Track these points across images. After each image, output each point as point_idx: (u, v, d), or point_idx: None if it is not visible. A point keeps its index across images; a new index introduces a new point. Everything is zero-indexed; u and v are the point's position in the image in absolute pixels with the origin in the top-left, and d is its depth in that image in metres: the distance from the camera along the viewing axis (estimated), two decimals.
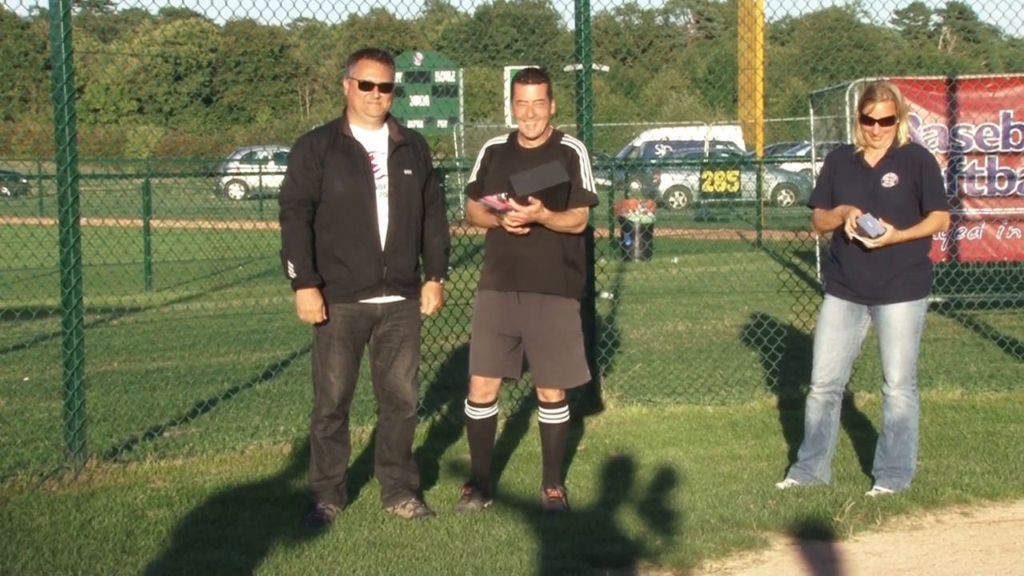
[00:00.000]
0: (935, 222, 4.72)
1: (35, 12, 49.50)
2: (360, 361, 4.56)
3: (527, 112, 4.51)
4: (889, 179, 4.70)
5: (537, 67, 4.75)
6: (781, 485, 4.89)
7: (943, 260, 8.06)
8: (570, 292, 4.59)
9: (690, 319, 9.62)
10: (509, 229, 4.47)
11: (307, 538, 4.24)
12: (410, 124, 17.12)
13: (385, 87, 4.42)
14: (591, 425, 6.10)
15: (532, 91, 4.50)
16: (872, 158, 4.76)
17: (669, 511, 4.55)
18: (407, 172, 4.46)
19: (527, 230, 4.47)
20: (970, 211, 7.85)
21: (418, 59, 18.07)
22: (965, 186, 7.83)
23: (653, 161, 21.98)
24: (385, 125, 4.50)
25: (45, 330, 8.83)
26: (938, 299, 8.05)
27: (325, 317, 4.40)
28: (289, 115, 48.85)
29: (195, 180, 23.29)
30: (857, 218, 4.60)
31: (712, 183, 19.80)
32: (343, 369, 4.46)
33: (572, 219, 4.53)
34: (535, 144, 4.59)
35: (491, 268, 4.60)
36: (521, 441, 5.79)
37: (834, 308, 4.83)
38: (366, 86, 4.40)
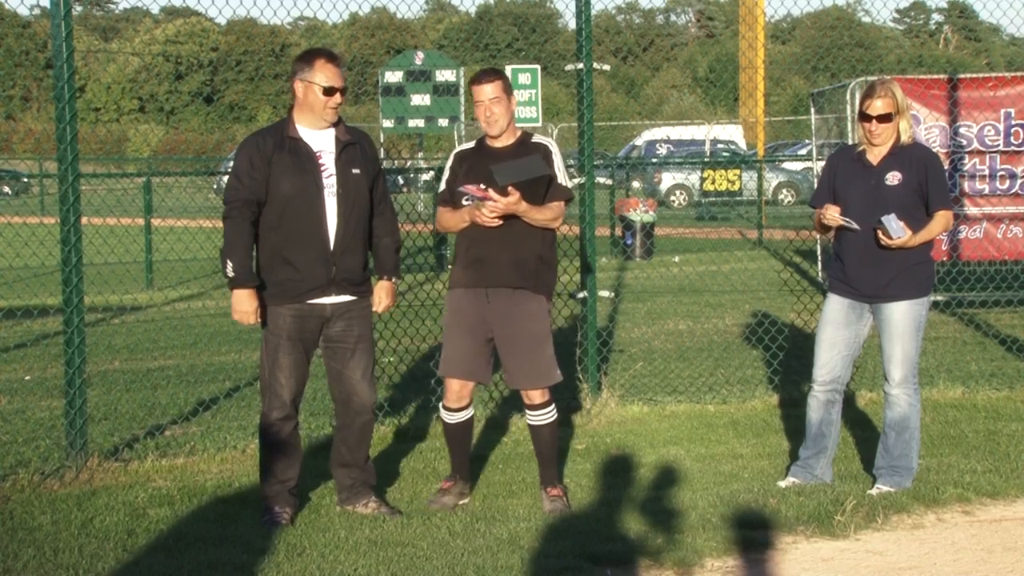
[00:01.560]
0: (942, 222, 4.74)
1: (36, 11, 49.41)
2: (310, 362, 4.53)
3: (485, 111, 4.53)
4: (893, 177, 4.70)
5: (494, 68, 4.76)
6: (782, 484, 4.88)
7: (944, 259, 8.05)
8: (540, 289, 4.58)
9: (691, 318, 9.61)
10: (483, 221, 4.45)
11: (308, 537, 4.23)
12: (411, 123, 17.07)
13: (343, 91, 4.41)
14: (592, 424, 6.09)
15: (487, 90, 4.52)
16: (874, 157, 4.75)
17: (670, 510, 4.55)
18: (355, 171, 4.42)
19: (500, 222, 4.46)
20: (971, 210, 7.84)
21: (419, 58, 18.03)
22: (966, 185, 7.82)
23: (654, 160, 21.97)
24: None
25: (46, 329, 8.82)
26: (939, 298, 8.03)
27: (259, 319, 4.37)
28: None
29: (196, 179, 23.27)
30: (882, 217, 4.61)
31: (713, 182, 19.79)
32: (293, 370, 4.42)
33: (550, 213, 4.53)
34: (504, 143, 4.60)
35: (462, 266, 4.59)
36: (521, 440, 5.78)
37: (836, 306, 4.82)
38: (330, 92, 4.36)
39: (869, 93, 4.71)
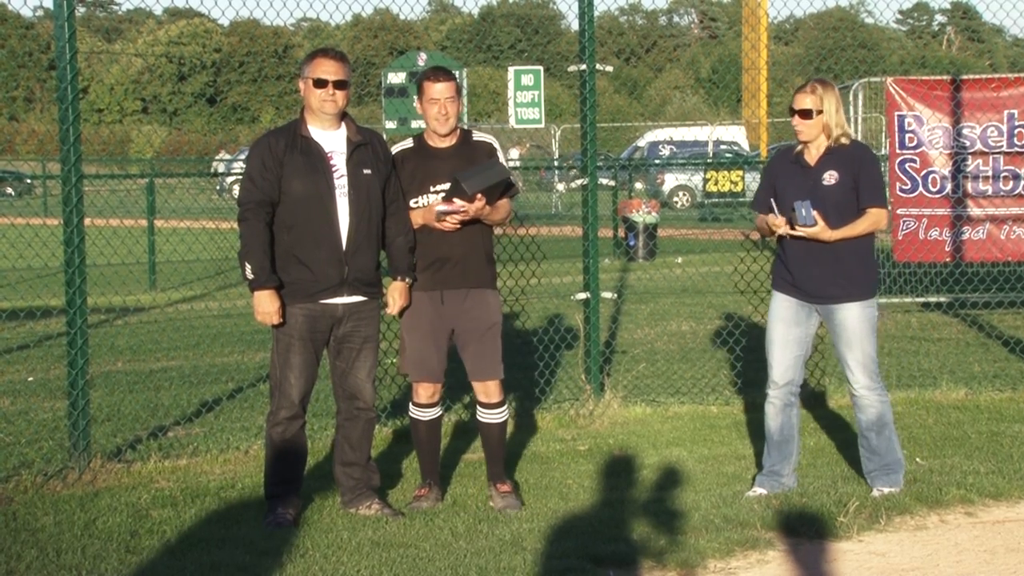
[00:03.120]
0: (869, 220, 4.66)
1: (39, 12, 49.31)
2: (320, 361, 4.54)
3: (440, 109, 4.55)
4: (830, 177, 4.66)
5: (443, 67, 4.79)
6: (751, 494, 4.80)
7: (947, 260, 8.03)
8: (492, 283, 4.69)
9: (694, 319, 9.58)
10: (445, 227, 4.48)
11: (311, 538, 4.23)
12: (414, 124, 17.02)
13: (340, 84, 4.40)
14: (595, 425, 6.07)
15: (442, 88, 4.54)
16: (812, 157, 4.71)
17: (673, 511, 4.54)
18: (366, 172, 4.44)
19: (460, 226, 4.51)
20: (975, 211, 7.83)
21: (422, 59, 17.98)
22: (970, 186, 7.81)
23: (657, 161, 21.93)
24: (343, 125, 4.48)
25: (49, 330, 8.80)
26: (942, 299, 8.02)
27: (282, 319, 4.38)
28: (293, 115, 48.28)
29: (199, 180, 23.21)
30: (796, 202, 4.57)
31: (716, 183, 19.75)
32: (303, 370, 4.43)
33: (504, 212, 4.64)
34: (447, 143, 4.62)
35: (418, 269, 4.62)
36: (525, 442, 5.77)
37: (784, 304, 4.77)
38: (320, 84, 4.38)
39: (799, 89, 4.72)
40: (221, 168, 22.40)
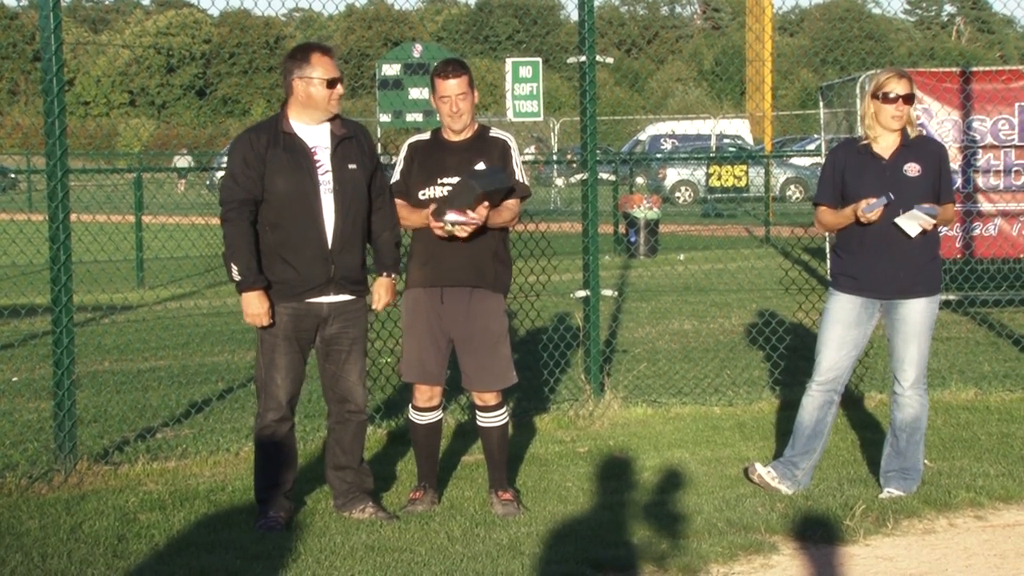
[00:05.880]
0: (947, 214, 4.74)
1: (24, 2, 49.23)
2: (306, 362, 4.48)
3: (451, 107, 4.48)
4: (912, 169, 4.64)
5: (457, 59, 4.70)
6: (755, 467, 4.85)
7: (957, 256, 7.95)
8: (497, 287, 4.54)
9: (696, 317, 9.53)
10: (452, 234, 4.39)
11: (303, 542, 4.18)
12: (409, 117, 16.94)
13: (341, 81, 4.38)
14: (595, 426, 6.02)
15: (453, 85, 4.46)
16: (884, 149, 4.67)
17: (675, 514, 4.49)
18: (351, 167, 4.38)
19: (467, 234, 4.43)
20: (985, 206, 7.73)
21: (417, 51, 17.88)
22: (980, 180, 7.73)
23: (659, 155, 21.84)
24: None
25: (34, 329, 8.74)
26: (952, 297, 7.92)
27: (271, 320, 4.32)
28: None
29: (188, 174, 23.11)
30: (915, 209, 4.53)
31: (719, 178, 19.66)
32: (289, 370, 4.37)
33: (509, 214, 4.53)
34: (462, 137, 4.56)
35: (418, 265, 4.54)
36: (523, 444, 5.70)
37: (846, 305, 4.73)
38: (333, 83, 4.33)
39: (890, 76, 4.65)
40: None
